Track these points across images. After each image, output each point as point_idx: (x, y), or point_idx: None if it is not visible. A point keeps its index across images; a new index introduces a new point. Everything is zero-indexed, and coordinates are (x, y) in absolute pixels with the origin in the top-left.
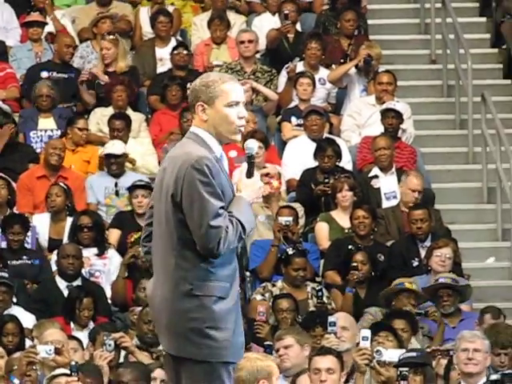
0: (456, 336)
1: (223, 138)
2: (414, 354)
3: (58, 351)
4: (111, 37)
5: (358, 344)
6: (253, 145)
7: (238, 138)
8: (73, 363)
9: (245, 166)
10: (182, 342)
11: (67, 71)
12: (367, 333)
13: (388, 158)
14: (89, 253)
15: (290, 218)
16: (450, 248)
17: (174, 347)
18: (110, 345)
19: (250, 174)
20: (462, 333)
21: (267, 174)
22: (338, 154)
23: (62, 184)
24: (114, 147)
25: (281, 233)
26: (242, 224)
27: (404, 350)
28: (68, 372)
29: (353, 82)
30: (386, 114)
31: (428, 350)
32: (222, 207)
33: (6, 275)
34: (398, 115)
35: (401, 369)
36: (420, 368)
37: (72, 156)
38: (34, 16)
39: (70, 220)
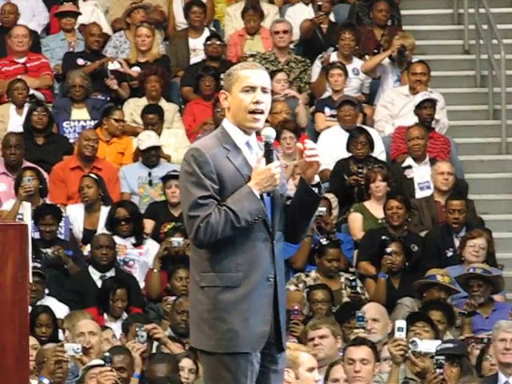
0: (488, 326)
1: (242, 126)
2: (451, 345)
3: (85, 351)
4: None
5: (392, 334)
6: (270, 132)
7: (255, 125)
8: (107, 354)
9: (261, 154)
10: (196, 334)
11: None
12: (402, 324)
13: (422, 148)
14: (126, 242)
15: (324, 209)
16: (484, 238)
17: (192, 339)
18: (142, 336)
19: (268, 162)
20: (500, 323)
21: None
22: (371, 142)
23: (92, 175)
24: (151, 140)
25: (314, 223)
26: (234, 212)
27: (440, 341)
28: (102, 363)
29: (386, 72)
30: (422, 104)
31: (462, 337)
32: (204, 197)
33: (39, 265)
34: (434, 105)
35: (436, 357)
36: (457, 359)
37: (107, 147)
38: (67, 6)
39: (104, 210)
